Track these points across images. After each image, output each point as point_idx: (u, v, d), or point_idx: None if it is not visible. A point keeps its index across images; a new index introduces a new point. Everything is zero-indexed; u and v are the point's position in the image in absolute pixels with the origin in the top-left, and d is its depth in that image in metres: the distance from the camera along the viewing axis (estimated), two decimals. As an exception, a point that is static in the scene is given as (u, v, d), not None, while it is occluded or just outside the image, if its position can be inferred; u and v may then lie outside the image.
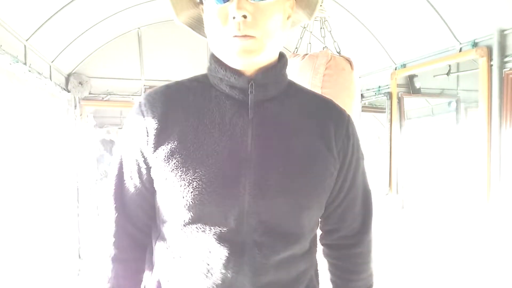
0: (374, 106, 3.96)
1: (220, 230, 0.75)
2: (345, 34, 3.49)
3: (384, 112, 3.69)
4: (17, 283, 2.47)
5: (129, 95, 4.38)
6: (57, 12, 2.76)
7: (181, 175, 0.75)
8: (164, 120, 0.80)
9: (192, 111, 0.81)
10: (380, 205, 3.78)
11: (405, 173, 3.64)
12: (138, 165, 0.82)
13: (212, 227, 0.75)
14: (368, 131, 4.26)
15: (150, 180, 0.82)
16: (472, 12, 2.62)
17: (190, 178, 0.75)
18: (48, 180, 3.09)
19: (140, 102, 0.86)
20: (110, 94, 4.26)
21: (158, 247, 0.85)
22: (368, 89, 3.96)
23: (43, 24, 2.72)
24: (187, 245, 0.79)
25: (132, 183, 0.83)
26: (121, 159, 0.85)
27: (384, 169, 3.70)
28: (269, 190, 0.76)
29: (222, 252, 0.75)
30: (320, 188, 0.82)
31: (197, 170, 0.75)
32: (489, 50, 2.55)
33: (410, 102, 3.68)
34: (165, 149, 0.78)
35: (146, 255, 0.89)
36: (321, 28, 1.71)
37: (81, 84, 4.02)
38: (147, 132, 0.80)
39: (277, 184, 0.77)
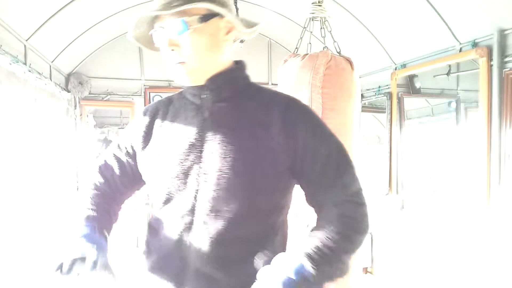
0: (374, 106, 3.96)
1: (180, 209, 0.95)
2: (345, 34, 3.49)
3: (384, 112, 3.69)
4: (17, 284, 2.47)
5: (129, 95, 4.38)
6: (57, 12, 2.76)
7: (154, 166, 1.00)
8: (151, 126, 1.05)
9: (168, 117, 1.04)
10: (380, 205, 3.78)
11: (405, 173, 3.64)
12: (126, 150, 1.08)
13: (175, 207, 0.96)
14: (368, 131, 4.26)
15: (132, 163, 1.07)
16: (472, 12, 2.62)
17: (159, 168, 0.98)
18: (48, 180, 3.09)
19: (141, 111, 1.12)
20: (110, 94, 4.26)
21: (152, 218, 1.09)
22: (368, 89, 3.96)
23: (43, 24, 2.72)
24: (163, 218, 1.01)
25: (116, 157, 1.09)
26: (116, 143, 1.11)
27: (384, 169, 3.70)
28: (214, 176, 0.91)
29: (180, 227, 0.95)
30: (261, 173, 0.92)
31: (164, 162, 0.97)
32: (489, 50, 2.55)
33: (410, 102, 3.68)
34: (148, 147, 1.03)
35: (111, 210, 1.09)
36: (321, 28, 1.71)
37: (81, 84, 4.02)
38: (140, 133, 1.06)
39: (221, 171, 0.91)
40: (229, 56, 1.02)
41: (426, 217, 3.71)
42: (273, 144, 0.92)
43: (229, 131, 0.94)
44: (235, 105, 0.98)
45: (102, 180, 1.09)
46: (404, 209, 3.68)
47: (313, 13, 1.69)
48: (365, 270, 4.04)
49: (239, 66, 1.05)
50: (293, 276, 0.77)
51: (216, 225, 0.91)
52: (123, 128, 4.94)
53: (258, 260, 0.90)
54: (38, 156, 2.85)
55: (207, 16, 0.91)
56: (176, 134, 0.99)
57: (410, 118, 3.73)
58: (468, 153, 3.31)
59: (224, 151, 0.91)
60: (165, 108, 1.06)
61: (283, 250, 0.99)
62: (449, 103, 3.58)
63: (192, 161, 0.94)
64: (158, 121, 1.05)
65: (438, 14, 2.74)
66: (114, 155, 1.10)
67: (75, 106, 4.07)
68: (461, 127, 3.40)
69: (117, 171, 1.09)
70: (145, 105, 4.45)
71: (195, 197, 0.93)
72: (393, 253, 3.66)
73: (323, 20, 1.71)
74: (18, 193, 2.62)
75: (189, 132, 0.97)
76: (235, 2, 3.27)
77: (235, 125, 0.95)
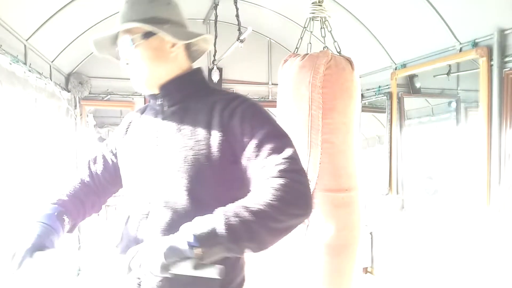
0: (374, 106, 3.96)
1: (140, 201, 1.07)
2: (345, 34, 3.49)
3: (384, 112, 3.69)
4: (17, 285, 2.47)
5: (129, 95, 4.38)
6: (57, 12, 2.76)
7: (123, 164, 1.17)
8: (127, 128, 1.22)
9: (139, 122, 1.19)
10: (380, 205, 3.78)
11: (405, 173, 3.64)
12: (111, 149, 1.24)
13: (136, 199, 1.09)
14: (368, 131, 4.26)
15: (114, 160, 1.22)
16: (472, 12, 2.62)
17: (126, 165, 1.15)
18: (48, 179, 3.09)
19: (127, 115, 1.29)
20: (110, 94, 4.26)
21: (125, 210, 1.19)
22: (368, 89, 3.96)
23: (43, 24, 2.72)
24: (129, 208, 1.13)
25: (102, 155, 1.25)
26: (105, 142, 1.28)
27: (384, 169, 3.70)
28: (163, 173, 1.03)
29: (140, 216, 1.07)
30: (201, 168, 0.99)
31: (129, 160, 1.14)
32: (489, 50, 2.55)
33: (410, 102, 3.68)
34: (122, 147, 1.19)
35: (88, 200, 1.20)
36: (321, 28, 1.71)
37: (81, 84, 4.02)
38: (120, 134, 1.23)
39: (167, 168, 1.02)
40: (184, 63, 1.12)
41: (426, 217, 3.71)
42: (213, 140, 0.99)
43: (176, 132, 1.05)
44: (184, 108, 1.09)
45: (87, 173, 1.23)
46: (404, 209, 3.68)
47: (313, 13, 1.69)
48: (365, 270, 4.04)
49: (190, 72, 1.13)
50: (201, 232, 0.80)
51: (166, 216, 1.00)
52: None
53: None
54: (38, 156, 2.85)
55: (149, 34, 1.04)
56: (140, 136, 1.14)
57: (410, 118, 3.73)
58: (468, 153, 3.31)
59: (170, 150, 1.04)
60: (140, 113, 1.22)
61: None
62: (449, 103, 3.58)
63: (148, 160, 1.08)
64: (132, 125, 1.21)
65: (438, 14, 2.74)
66: (102, 152, 1.25)
67: (75, 106, 4.07)
68: (461, 127, 3.40)
69: (101, 166, 1.22)
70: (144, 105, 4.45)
71: (150, 190, 1.05)
72: (393, 253, 3.66)
73: (323, 20, 1.71)
74: (17, 193, 2.62)
75: (148, 134, 1.11)
76: (235, 2, 3.28)
77: (181, 126, 1.06)
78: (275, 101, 1.74)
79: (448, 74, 3.19)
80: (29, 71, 2.61)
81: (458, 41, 2.79)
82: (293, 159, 0.93)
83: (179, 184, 1.00)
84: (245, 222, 0.81)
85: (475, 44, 2.66)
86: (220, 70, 4.52)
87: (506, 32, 2.45)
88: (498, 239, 2.47)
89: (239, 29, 3.24)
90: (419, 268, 3.31)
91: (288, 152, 0.93)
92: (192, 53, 1.18)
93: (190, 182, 0.99)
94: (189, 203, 0.99)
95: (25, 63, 2.60)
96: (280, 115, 1.67)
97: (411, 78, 3.52)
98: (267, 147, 0.94)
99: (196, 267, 0.78)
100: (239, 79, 4.76)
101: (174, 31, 1.06)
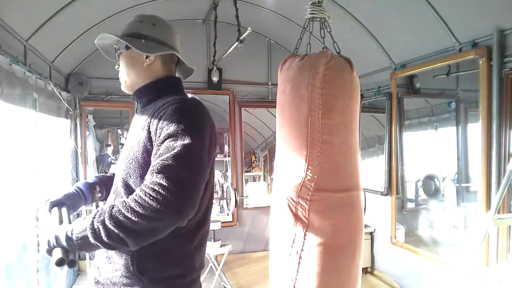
0: (374, 106, 3.96)
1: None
2: (345, 34, 3.49)
3: (384, 112, 3.70)
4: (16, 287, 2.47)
5: (129, 95, 4.37)
6: (57, 12, 2.76)
7: None
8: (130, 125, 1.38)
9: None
10: (380, 205, 3.78)
11: (405, 173, 3.64)
12: None
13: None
14: (368, 131, 4.26)
15: None
16: (472, 12, 2.62)
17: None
18: (48, 179, 3.09)
19: None
20: (110, 95, 4.26)
21: None
22: (368, 89, 3.96)
23: (43, 24, 2.72)
24: None
25: None
26: None
27: (384, 169, 3.70)
28: (119, 166, 1.21)
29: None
30: (133, 162, 1.16)
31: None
32: (489, 50, 2.55)
33: (410, 102, 3.68)
34: None
35: None
36: (320, 28, 1.71)
37: (81, 85, 4.02)
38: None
39: (121, 161, 1.21)
40: (159, 72, 1.29)
41: (426, 217, 3.71)
42: (143, 140, 1.15)
43: (132, 131, 1.24)
44: (144, 110, 1.26)
45: None
46: (404, 209, 3.68)
47: (312, 13, 1.69)
48: (365, 270, 4.04)
49: (159, 79, 1.29)
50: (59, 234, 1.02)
51: (111, 200, 1.23)
52: (123, 128, 4.95)
53: None
54: (38, 156, 2.85)
55: (129, 46, 1.26)
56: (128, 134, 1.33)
57: (410, 118, 3.73)
58: (468, 153, 3.31)
59: (125, 148, 1.23)
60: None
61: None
62: (449, 103, 3.58)
63: (121, 155, 1.26)
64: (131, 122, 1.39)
65: (438, 14, 2.74)
66: None
67: (75, 106, 4.07)
68: (461, 127, 3.40)
69: None
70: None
71: (117, 183, 1.22)
72: (393, 253, 3.66)
73: (323, 21, 1.71)
74: (17, 193, 2.62)
75: (128, 133, 1.31)
76: (235, 3, 3.28)
77: (136, 126, 1.22)
78: (275, 101, 1.74)
79: (447, 74, 3.19)
80: (29, 71, 2.61)
81: (458, 41, 2.79)
82: (177, 168, 1.02)
83: (120, 176, 1.19)
84: (104, 225, 0.98)
85: (474, 44, 2.66)
86: (220, 70, 4.53)
87: (506, 32, 2.45)
88: (498, 239, 2.47)
89: (239, 30, 3.24)
90: (419, 268, 3.31)
91: (176, 160, 1.03)
92: (181, 70, 1.42)
93: (125, 175, 1.17)
94: (124, 192, 1.16)
95: (25, 64, 2.60)
96: (279, 116, 1.67)
97: (410, 78, 3.52)
98: (163, 151, 1.05)
99: (64, 254, 1.00)
100: (239, 80, 4.76)
101: (146, 45, 1.25)
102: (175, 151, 1.04)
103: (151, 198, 0.98)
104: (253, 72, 4.83)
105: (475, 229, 2.71)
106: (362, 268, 1.74)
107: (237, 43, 3.29)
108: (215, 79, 4.51)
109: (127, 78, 1.31)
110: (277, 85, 1.70)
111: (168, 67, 1.32)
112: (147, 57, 1.27)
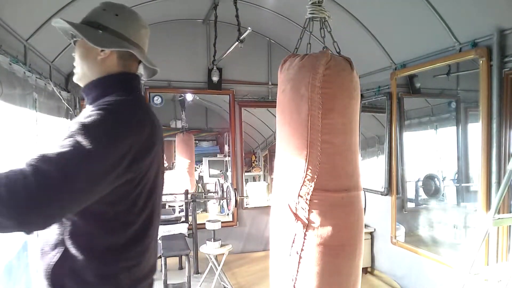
0: (374, 106, 3.96)
1: None
2: (345, 34, 3.49)
3: (384, 112, 3.70)
4: None
5: (129, 95, 4.38)
6: (57, 12, 2.76)
7: None
8: None
9: None
10: (380, 205, 3.78)
11: (405, 173, 3.64)
12: None
13: None
14: (368, 131, 4.26)
15: None
16: (472, 12, 2.61)
17: None
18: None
19: None
20: (110, 94, 4.26)
21: None
22: (368, 89, 3.96)
23: (43, 24, 2.72)
24: None
25: None
26: None
27: (384, 169, 3.70)
28: None
29: None
30: None
31: None
32: (489, 50, 2.55)
33: (410, 102, 3.68)
34: None
35: None
36: (320, 28, 1.71)
37: (81, 84, 4.01)
38: None
39: None
40: (112, 68, 1.17)
41: (426, 217, 3.71)
42: None
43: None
44: (84, 111, 1.13)
45: None
46: (404, 209, 3.68)
47: (312, 13, 1.69)
48: (365, 270, 4.04)
49: (107, 76, 1.17)
50: None
51: None
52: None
53: None
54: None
55: None
56: None
57: (410, 118, 3.73)
58: (468, 153, 3.31)
59: None
60: None
61: None
62: (449, 103, 3.58)
63: None
64: None
65: (438, 14, 2.74)
66: None
67: (75, 106, 4.06)
68: (461, 127, 3.40)
69: None
70: (145, 105, 4.47)
71: None
72: (393, 253, 3.66)
73: (323, 21, 1.71)
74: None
75: None
76: (235, 3, 3.28)
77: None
78: (275, 101, 1.74)
79: (448, 74, 3.19)
80: (29, 71, 2.61)
81: (458, 41, 2.79)
82: (53, 165, 0.87)
83: None
84: None
85: (474, 44, 2.66)
86: (220, 70, 4.53)
87: (506, 32, 2.45)
88: (497, 237, 2.47)
89: (239, 29, 3.24)
90: (419, 268, 3.31)
91: (58, 156, 0.88)
92: (147, 68, 1.29)
93: None
94: None
95: (25, 63, 2.60)
96: (279, 115, 1.67)
97: (411, 78, 3.52)
98: (52, 145, 0.92)
99: None
100: (239, 79, 4.76)
101: (102, 38, 1.14)
102: (65, 146, 0.90)
103: (7, 179, 0.83)
104: (253, 72, 4.83)
105: (475, 229, 2.71)
106: (362, 268, 1.74)
107: (237, 43, 3.29)
108: (215, 79, 4.52)
109: (79, 70, 1.19)
110: (277, 85, 1.70)
111: (124, 63, 1.19)
112: (102, 50, 1.15)
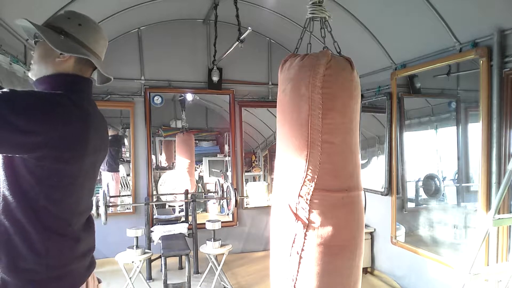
0: (375, 106, 3.96)
1: None
2: (346, 34, 3.49)
3: (384, 112, 3.70)
4: None
5: (129, 95, 4.39)
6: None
7: None
8: None
9: None
10: (380, 205, 3.78)
11: (405, 173, 3.64)
12: None
13: None
14: (368, 131, 4.26)
15: None
16: (472, 12, 2.62)
17: None
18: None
19: None
20: (110, 94, 4.27)
21: None
22: (368, 89, 3.96)
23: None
24: None
25: None
26: None
27: (384, 169, 3.70)
28: None
29: None
30: None
31: None
32: (489, 50, 2.55)
33: (410, 102, 3.68)
34: None
35: None
36: (321, 28, 1.71)
37: (81, 84, 4.02)
38: None
39: None
40: (67, 70, 1.26)
41: (426, 217, 3.71)
42: None
43: None
44: None
45: None
46: (404, 209, 3.68)
47: (313, 13, 1.69)
48: (365, 270, 4.04)
49: (56, 75, 1.25)
50: None
51: None
52: (123, 128, 4.95)
53: None
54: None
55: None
56: None
57: (410, 118, 3.73)
58: (468, 153, 3.31)
59: None
60: None
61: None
62: (449, 103, 3.58)
63: None
64: None
65: (438, 14, 2.74)
66: None
67: (75, 106, 4.06)
68: (461, 127, 3.40)
69: None
70: (145, 105, 4.47)
71: None
72: (393, 253, 3.66)
73: (323, 20, 1.71)
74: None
75: None
76: (235, 3, 3.28)
77: None
78: (275, 101, 1.74)
79: (448, 74, 3.20)
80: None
81: (458, 41, 2.79)
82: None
83: None
84: None
85: (475, 44, 2.66)
86: (220, 70, 4.53)
87: (506, 32, 2.45)
88: (497, 237, 2.47)
89: (239, 29, 3.24)
90: (419, 268, 3.31)
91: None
92: (101, 75, 1.42)
93: None
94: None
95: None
96: (279, 115, 1.67)
97: (411, 78, 3.52)
98: None
99: None
100: (239, 79, 4.76)
101: (63, 43, 1.23)
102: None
103: None
104: (253, 72, 4.83)
105: (475, 229, 2.71)
106: (362, 268, 1.74)
107: (237, 42, 3.29)
108: (215, 78, 4.52)
109: (36, 67, 1.28)
110: (277, 84, 1.70)
111: (80, 67, 1.29)
112: (61, 53, 1.24)
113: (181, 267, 4.23)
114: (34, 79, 1.29)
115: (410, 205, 3.76)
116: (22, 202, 1.11)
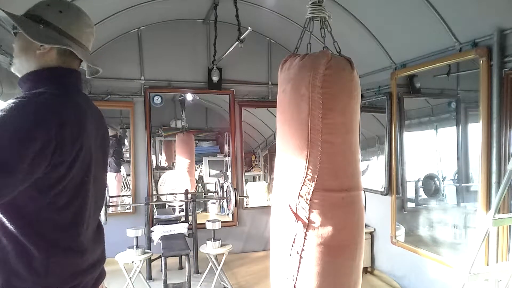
0: (374, 106, 3.96)
1: None
2: (345, 34, 3.49)
3: (384, 112, 3.70)
4: None
5: (129, 95, 4.38)
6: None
7: None
8: None
9: None
10: (380, 205, 3.78)
11: (405, 173, 3.64)
12: None
13: None
14: (368, 131, 4.26)
15: None
16: (472, 12, 2.62)
17: None
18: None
19: None
20: (110, 94, 4.26)
21: None
22: (368, 89, 3.96)
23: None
24: None
25: None
26: None
27: (384, 169, 3.70)
28: None
29: None
30: None
31: None
32: (489, 50, 2.55)
33: (410, 102, 3.68)
34: None
35: None
36: (321, 28, 1.71)
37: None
38: None
39: None
40: (51, 64, 1.17)
41: (426, 217, 3.71)
42: None
43: None
44: None
45: None
46: (404, 209, 3.68)
47: (312, 13, 1.69)
48: (365, 270, 4.04)
49: (40, 70, 1.17)
50: None
51: None
52: (123, 128, 4.95)
53: None
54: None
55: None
56: None
57: (410, 118, 3.73)
58: (468, 153, 3.31)
59: None
60: None
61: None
62: (449, 103, 3.58)
63: None
64: None
65: (438, 14, 2.74)
66: None
67: (75, 106, 4.06)
68: (461, 127, 3.40)
69: None
70: (145, 105, 4.47)
71: None
72: (393, 252, 3.66)
73: (323, 20, 1.71)
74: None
75: None
76: (235, 3, 3.28)
77: None
78: (275, 101, 1.74)
79: (448, 74, 3.20)
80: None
81: (458, 41, 2.79)
82: None
83: None
84: None
85: (475, 44, 2.66)
86: (220, 70, 4.53)
87: (506, 32, 2.45)
88: (497, 236, 2.47)
89: (239, 29, 3.24)
90: (419, 268, 3.31)
91: None
92: (89, 67, 1.30)
93: None
94: None
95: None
96: (279, 115, 1.67)
97: (411, 78, 3.52)
98: None
99: None
100: (239, 79, 4.76)
101: (42, 33, 1.14)
102: None
103: None
104: (253, 72, 4.83)
105: (475, 229, 2.71)
106: (362, 268, 1.74)
107: (237, 42, 3.29)
108: (215, 78, 4.52)
109: (17, 61, 1.20)
110: (277, 84, 1.70)
111: (64, 59, 1.18)
112: (41, 45, 1.15)
113: (181, 267, 4.23)
114: (18, 75, 1.21)
115: (410, 205, 3.76)
116: (20, 218, 1.03)
